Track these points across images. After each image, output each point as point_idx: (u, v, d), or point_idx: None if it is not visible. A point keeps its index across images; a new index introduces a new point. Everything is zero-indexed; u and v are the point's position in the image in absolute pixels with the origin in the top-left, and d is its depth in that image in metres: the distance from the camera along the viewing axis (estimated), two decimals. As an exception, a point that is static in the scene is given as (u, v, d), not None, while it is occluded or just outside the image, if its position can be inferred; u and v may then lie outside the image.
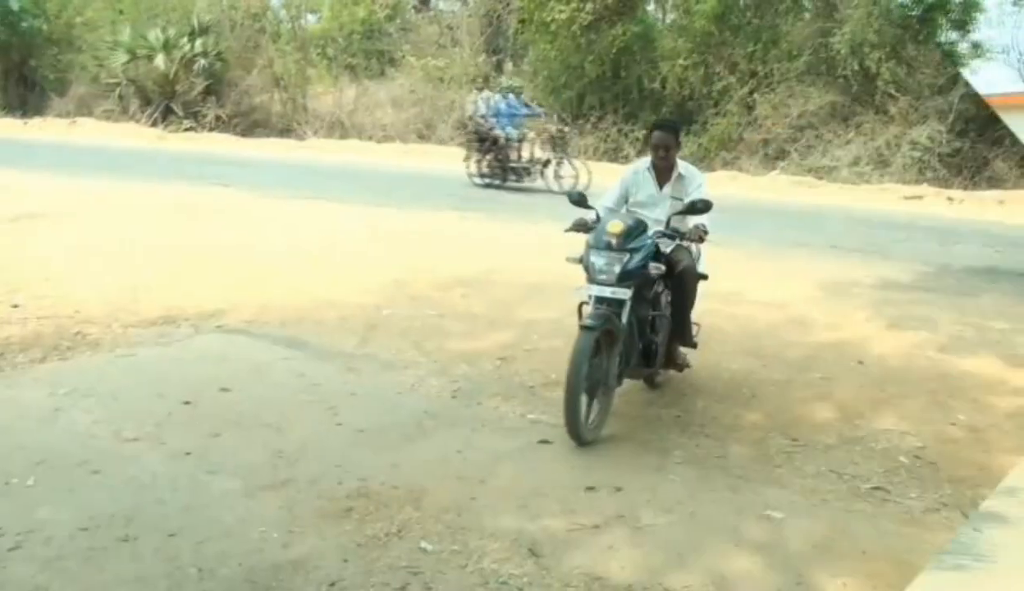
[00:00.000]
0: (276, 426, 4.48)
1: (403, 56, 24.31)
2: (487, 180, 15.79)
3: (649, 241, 4.69)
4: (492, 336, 6.19)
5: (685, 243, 5.01)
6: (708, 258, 5.26)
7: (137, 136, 23.34)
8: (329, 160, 19.76)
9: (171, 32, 24.82)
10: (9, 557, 3.17)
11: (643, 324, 4.82)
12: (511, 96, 16.41)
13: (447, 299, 7.26)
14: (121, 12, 26.16)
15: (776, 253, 9.94)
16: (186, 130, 24.26)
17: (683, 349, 5.32)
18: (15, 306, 6.59)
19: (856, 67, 18.59)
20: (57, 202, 11.47)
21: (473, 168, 15.94)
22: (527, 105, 16.95)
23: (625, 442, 4.56)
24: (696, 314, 5.16)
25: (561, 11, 20.32)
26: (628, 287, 4.51)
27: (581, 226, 4.91)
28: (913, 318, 7.28)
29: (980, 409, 5.22)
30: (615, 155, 19.84)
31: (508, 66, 24.18)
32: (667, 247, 4.99)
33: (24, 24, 26.76)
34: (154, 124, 24.66)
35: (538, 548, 3.38)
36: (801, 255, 9.94)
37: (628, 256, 4.50)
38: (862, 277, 8.83)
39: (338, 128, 23.75)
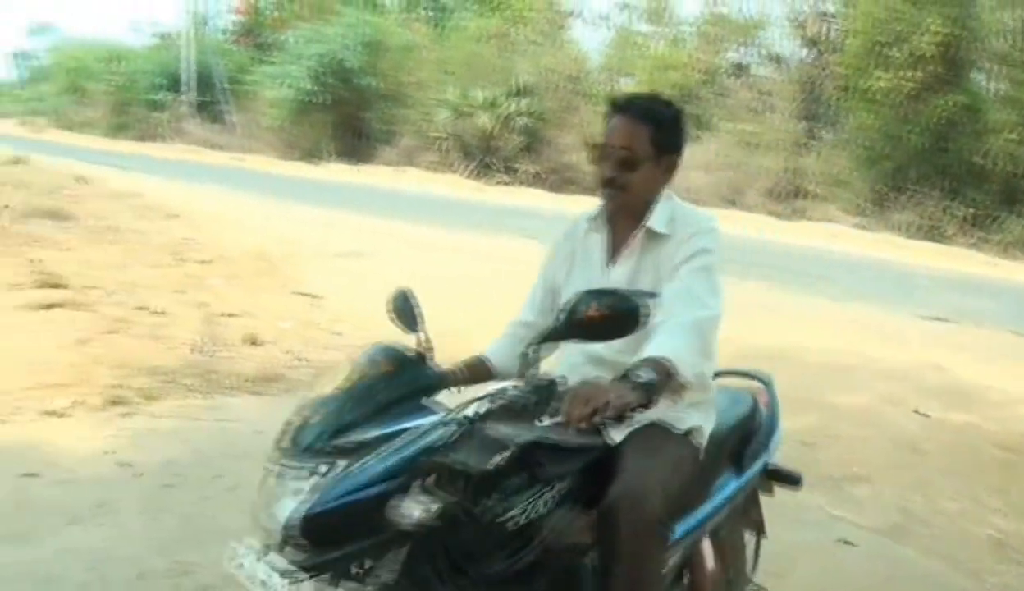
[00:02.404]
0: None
1: (716, 120, 24.25)
2: None
3: (450, 423, 2.02)
4: (794, 417, 5.92)
5: (638, 416, 2.11)
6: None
7: (457, 187, 24.68)
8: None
9: (495, 92, 26.18)
10: None
11: None
12: None
13: (750, 373, 7.06)
14: (452, 73, 27.86)
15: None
16: (503, 184, 25.38)
17: None
18: (337, 334, 7.14)
19: None
20: (379, 242, 12.34)
21: None
22: None
23: (933, 558, 4.22)
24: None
25: (883, 79, 19.52)
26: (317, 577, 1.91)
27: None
28: None
29: None
30: (933, 234, 18.66)
31: (825, 135, 23.45)
32: (613, 433, 2.34)
33: (357, 81, 29.15)
34: (473, 176, 26.00)
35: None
36: None
37: (336, 469, 1.92)
38: None
39: (648, 189, 23.96)
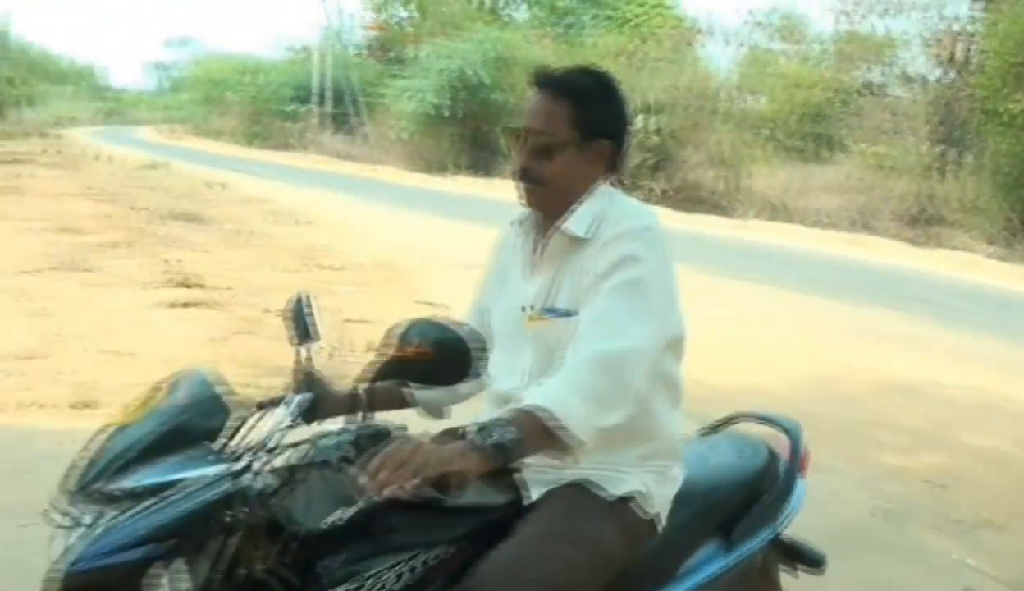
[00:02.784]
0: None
1: (851, 141, 23.66)
2: None
3: (242, 474, 1.58)
4: (924, 455, 5.76)
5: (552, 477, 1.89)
6: None
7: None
8: (763, 242, 19.54)
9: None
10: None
11: None
12: None
13: (877, 405, 6.86)
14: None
15: None
16: (630, 201, 25.21)
17: None
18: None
19: None
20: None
21: None
22: None
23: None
24: None
25: (1021, 102, 18.61)
26: None
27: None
28: None
29: None
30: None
31: (961, 159, 22.56)
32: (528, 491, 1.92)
33: (485, 95, 29.43)
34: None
35: None
36: None
37: (102, 520, 1.52)
38: None
39: (775, 210, 23.49)
